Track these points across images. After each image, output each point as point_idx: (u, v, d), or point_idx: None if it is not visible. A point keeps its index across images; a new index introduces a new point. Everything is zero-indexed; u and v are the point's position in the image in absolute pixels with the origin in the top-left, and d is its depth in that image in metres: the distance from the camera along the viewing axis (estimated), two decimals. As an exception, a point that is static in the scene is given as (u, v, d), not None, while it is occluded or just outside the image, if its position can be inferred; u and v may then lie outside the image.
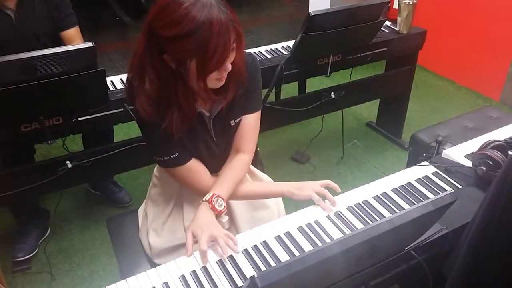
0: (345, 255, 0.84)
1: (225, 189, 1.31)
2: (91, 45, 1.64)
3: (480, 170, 1.37)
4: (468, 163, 1.46)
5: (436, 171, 1.46)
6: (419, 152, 1.85)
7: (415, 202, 1.33)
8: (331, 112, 2.67)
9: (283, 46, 2.44)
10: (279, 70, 2.18)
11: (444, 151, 1.55)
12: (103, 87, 1.82)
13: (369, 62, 2.56)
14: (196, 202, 1.37)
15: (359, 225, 1.26)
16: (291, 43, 2.36)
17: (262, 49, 2.41)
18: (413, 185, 1.41)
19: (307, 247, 1.20)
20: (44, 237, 2.27)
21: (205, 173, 1.35)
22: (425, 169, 1.47)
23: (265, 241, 1.22)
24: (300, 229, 1.25)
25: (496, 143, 1.41)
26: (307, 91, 3.03)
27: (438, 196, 0.96)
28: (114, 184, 2.52)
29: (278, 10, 5.39)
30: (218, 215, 1.28)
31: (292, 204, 1.40)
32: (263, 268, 1.14)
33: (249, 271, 1.13)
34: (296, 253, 1.18)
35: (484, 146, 1.41)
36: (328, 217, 1.29)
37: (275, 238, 1.23)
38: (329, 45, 2.24)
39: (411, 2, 2.47)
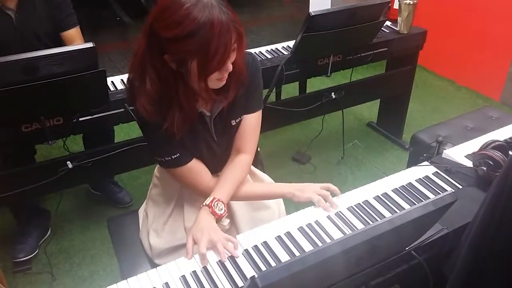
0: (346, 255, 0.84)
1: (226, 192, 1.31)
2: (92, 46, 1.64)
3: (480, 170, 1.37)
4: (469, 163, 1.46)
5: (436, 171, 1.46)
6: (420, 152, 1.85)
7: (416, 202, 1.33)
8: (331, 112, 2.67)
9: (283, 46, 2.44)
10: (280, 70, 2.18)
11: (444, 151, 1.55)
12: (103, 87, 1.82)
13: (370, 62, 2.56)
14: (196, 202, 1.38)
15: (360, 225, 1.26)
16: (291, 43, 2.36)
17: (263, 49, 2.41)
18: (413, 185, 1.41)
19: (308, 247, 1.20)
20: (45, 238, 2.27)
21: (206, 173, 1.35)
22: (425, 169, 1.47)
23: (265, 241, 1.22)
24: (301, 229, 1.25)
25: (497, 143, 1.41)
26: (307, 91, 3.03)
27: (439, 196, 0.96)
28: (114, 184, 2.52)
29: (278, 10, 5.39)
30: (218, 219, 1.28)
31: (293, 204, 1.40)
32: (263, 268, 1.14)
33: (250, 271, 1.13)
34: (297, 253, 1.19)
35: (484, 146, 1.41)
36: (329, 217, 1.29)
37: (275, 238, 1.23)
38: (330, 45, 2.24)
39: (411, 2, 2.47)
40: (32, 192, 1.87)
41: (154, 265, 1.35)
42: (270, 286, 0.74)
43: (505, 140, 1.50)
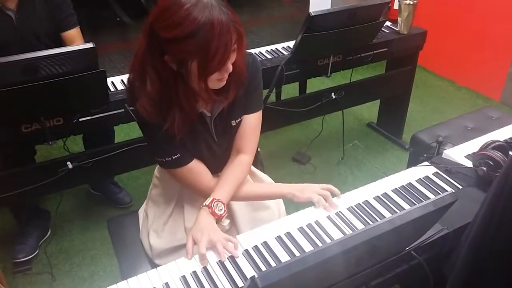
0: (346, 255, 0.84)
1: (226, 192, 1.31)
2: (92, 46, 1.64)
3: (480, 171, 1.37)
4: (469, 164, 1.46)
5: (436, 172, 1.46)
6: (420, 152, 1.85)
7: (416, 203, 1.33)
8: (331, 113, 2.67)
9: (283, 47, 2.44)
10: (280, 70, 2.19)
11: (444, 151, 1.56)
12: (103, 87, 1.82)
13: (370, 63, 2.56)
14: (197, 202, 1.38)
15: (360, 226, 1.26)
16: (291, 44, 2.36)
17: (263, 49, 2.41)
18: (413, 185, 1.41)
19: (308, 247, 1.20)
20: (45, 238, 2.27)
21: (206, 173, 1.35)
22: (425, 170, 1.47)
23: (265, 241, 1.22)
24: (301, 229, 1.25)
25: (497, 143, 1.41)
26: (307, 91, 3.03)
27: (439, 196, 0.96)
28: (114, 184, 2.52)
29: (278, 11, 5.39)
30: (218, 220, 1.28)
31: (293, 204, 1.40)
32: (263, 268, 1.14)
33: (250, 272, 1.13)
34: (297, 254, 1.19)
35: (484, 147, 1.41)
36: (329, 217, 1.29)
37: (275, 238, 1.23)
38: (330, 45, 2.24)
39: (411, 3, 2.47)
40: (32, 193, 1.87)
41: (154, 266, 1.35)
42: (270, 286, 0.74)
43: (505, 140, 1.50)
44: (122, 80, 2.09)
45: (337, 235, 1.23)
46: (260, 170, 1.60)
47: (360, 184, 1.40)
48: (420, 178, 1.44)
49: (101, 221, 2.32)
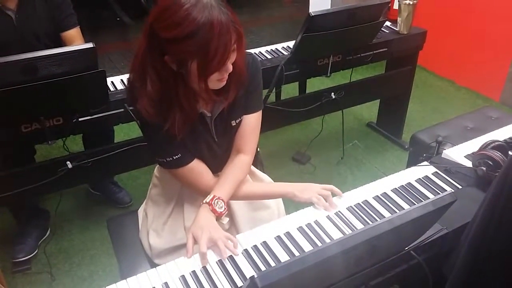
0: (345, 255, 0.84)
1: (226, 191, 1.31)
2: (92, 46, 1.64)
3: (480, 171, 1.37)
4: (468, 164, 1.46)
5: (436, 171, 1.46)
6: (419, 152, 1.85)
7: (415, 202, 1.33)
8: (331, 113, 2.67)
9: (283, 47, 2.44)
10: (280, 70, 2.19)
11: (444, 151, 1.56)
12: (103, 87, 1.82)
13: (369, 63, 2.56)
14: (197, 202, 1.38)
15: (359, 225, 1.26)
16: (291, 44, 2.36)
17: (263, 49, 2.41)
18: (413, 185, 1.41)
19: (307, 247, 1.20)
20: (44, 238, 2.27)
21: (207, 173, 1.35)
22: (425, 169, 1.47)
23: (265, 241, 1.22)
24: (300, 229, 1.26)
25: (496, 143, 1.41)
26: (307, 91, 3.02)
27: (438, 196, 0.96)
28: (114, 184, 2.52)
29: (278, 11, 5.39)
30: (218, 217, 1.28)
31: (292, 204, 1.40)
32: (263, 268, 1.14)
33: (249, 271, 1.13)
34: (296, 253, 1.19)
35: (484, 147, 1.41)
36: (328, 217, 1.29)
37: (275, 238, 1.23)
38: (329, 45, 2.24)
39: (411, 3, 2.47)
40: (32, 192, 1.87)
41: (154, 265, 1.35)
42: (270, 286, 0.74)
43: (504, 140, 1.50)
44: (122, 80, 2.09)
45: (336, 235, 1.23)
46: (260, 170, 1.61)
47: (359, 184, 1.40)
48: (419, 178, 1.44)
49: (101, 220, 2.32)
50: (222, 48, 1.07)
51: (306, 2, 3.58)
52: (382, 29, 2.55)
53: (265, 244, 1.21)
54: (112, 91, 2.01)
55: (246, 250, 1.19)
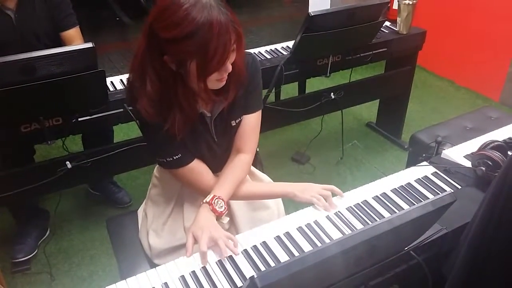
0: (345, 255, 0.84)
1: (226, 190, 1.31)
2: (91, 46, 1.64)
3: (479, 171, 1.37)
4: (468, 164, 1.46)
5: (435, 172, 1.46)
6: (419, 152, 1.85)
7: (415, 203, 1.33)
8: (330, 113, 2.67)
9: (282, 47, 2.44)
10: (279, 70, 2.19)
11: (443, 151, 1.56)
12: (103, 87, 1.82)
13: (369, 63, 2.56)
14: (196, 202, 1.38)
15: (359, 225, 1.26)
16: (290, 44, 2.36)
17: (262, 49, 2.41)
18: (412, 185, 1.41)
19: (307, 247, 1.20)
20: (44, 238, 2.27)
21: (207, 173, 1.35)
22: (424, 170, 1.47)
23: (264, 241, 1.22)
24: (300, 229, 1.25)
25: (496, 143, 1.41)
26: (307, 91, 3.03)
27: (438, 196, 0.96)
28: (113, 184, 2.52)
29: (278, 11, 5.39)
30: (218, 217, 1.28)
31: (292, 204, 1.40)
32: (262, 268, 1.14)
33: (249, 272, 1.13)
34: (296, 254, 1.19)
35: (483, 147, 1.41)
36: (328, 217, 1.29)
37: (274, 238, 1.23)
38: (329, 45, 2.24)
39: (410, 3, 2.47)
40: (31, 192, 1.87)
41: (154, 265, 1.35)
42: (269, 286, 0.74)
43: (504, 140, 1.50)
44: (121, 80, 2.09)
45: (336, 235, 1.23)
46: (259, 170, 1.61)
47: (359, 184, 1.40)
48: (419, 178, 1.44)
49: (100, 220, 2.32)
50: (222, 48, 1.07)
51: (306, 2, 3.58)
52: (381, 29, 2.55)
53: (264, 244, 1.21)
54: (112, 91, 2.01)
55: (245, 250, 1.19)
